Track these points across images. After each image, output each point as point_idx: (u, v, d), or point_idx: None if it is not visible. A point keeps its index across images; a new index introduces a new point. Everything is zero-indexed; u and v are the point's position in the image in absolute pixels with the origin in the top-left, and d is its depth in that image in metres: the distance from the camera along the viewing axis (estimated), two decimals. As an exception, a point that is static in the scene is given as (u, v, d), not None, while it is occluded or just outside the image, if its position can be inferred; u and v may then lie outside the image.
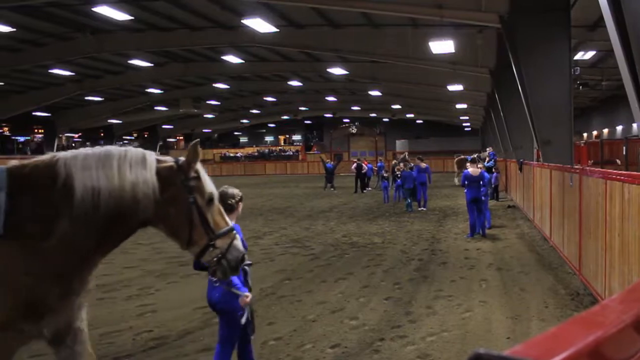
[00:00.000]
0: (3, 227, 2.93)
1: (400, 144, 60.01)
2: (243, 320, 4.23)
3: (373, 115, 58.02)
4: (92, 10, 19.12)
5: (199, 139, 3.57)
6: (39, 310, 3.05)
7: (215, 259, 3.39)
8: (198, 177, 3.39)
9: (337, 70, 29.37)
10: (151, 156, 3.37)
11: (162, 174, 3.33)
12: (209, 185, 3.44)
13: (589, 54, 23.33)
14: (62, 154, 3.24)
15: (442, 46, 19.26)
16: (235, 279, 4.05)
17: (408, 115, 55.95)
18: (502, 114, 23.73)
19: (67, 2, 18.89)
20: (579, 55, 22.23)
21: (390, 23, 21.16)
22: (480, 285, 8.37)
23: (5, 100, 38.23)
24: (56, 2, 18.80)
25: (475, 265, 9.88)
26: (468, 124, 58.05)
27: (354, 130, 62.24)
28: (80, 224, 3.12)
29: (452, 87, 28.34)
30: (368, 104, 48.98)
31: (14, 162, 3.30)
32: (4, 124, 45.52)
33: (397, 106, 48.36)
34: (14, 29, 21.42)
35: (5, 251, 2.95)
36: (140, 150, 3.41)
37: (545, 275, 8.94)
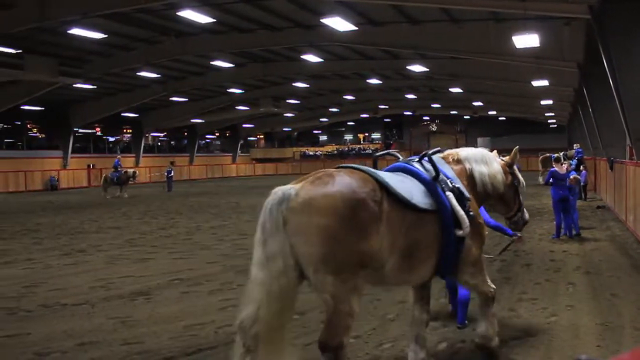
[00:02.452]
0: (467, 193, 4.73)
1: (481, 142, 58.46)
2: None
3: (454, 112, 56.87)
4: (176, 15, 19.84)
5: (518, 146, 5.74)
6: None
7: (519, 218, 5.60)
8: (515, 169, 5.49)
9: (417, 68, 28.98)
10: (497, 156, 5.45)
11: (503, 168, 5.35)
12: (520, 174, 5.53)
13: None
14: (460, 152, 5.23)
15: (526, 40, 18.57)
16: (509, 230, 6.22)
17: (490, 113, 54.43)
18: (590, 109, 22.64)
19: (154, 7, 19.67)
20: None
21: (470, 18, 20.64)
22: (567, 289, 8.01)
23: (97, 102, 40.39)
24: (144, 8, 19.61)
25: (561, 268, 9.47)
26: (553, 121, 55.77)
27: (434, 128, 61.27)
28: (476, 197, 5.01)
29: (536, 83, 27.34)
30: (448, 101, 48.08)
31: (440, 153, 5.14)
32: (96, 125, 47.97)
33: (479, 103, 47.18)
34: (106, 35, 22.56)
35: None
36: (491, 153, 5.42)
37: (639, 281, 8.44)
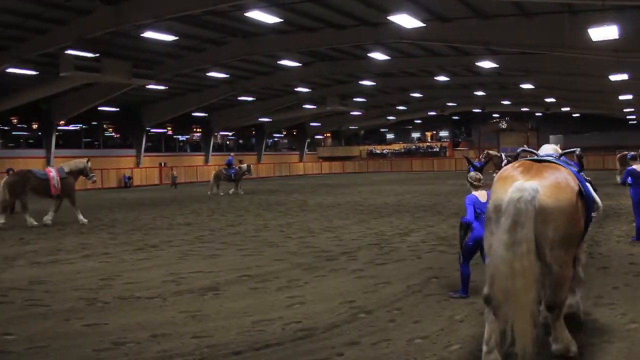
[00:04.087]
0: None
1: (554, 140, 56.22)
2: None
3: (524, 109, 55.17)
4: (244, 16, 20.21)
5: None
6: None
7: None
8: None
9: (486, 64, 28.33)
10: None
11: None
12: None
13: None
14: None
15: (603, 32, 17.76)
16: None
17: (563, 109, 52.46)
18: (674, 104, 21.43)
19: (223, 9, 20.08)
20: None
21: (544, 11, 19.95)
22: (649, 294, 7.59)
23: (168, 102, 41.70)
24: (213, 10, 20.06)
25: (642, 271, 8.99)
26: (633, 117, 53.19)
27: (504, 125, 59.69)
28: None
29: (614, 77, 26.17)
30: (519, 97, 46.69)
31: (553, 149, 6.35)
32: (167, 124, 49.46)
33: (551, 99, 45.60)
34: (177, 38, 23.26)
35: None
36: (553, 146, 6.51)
37: None
